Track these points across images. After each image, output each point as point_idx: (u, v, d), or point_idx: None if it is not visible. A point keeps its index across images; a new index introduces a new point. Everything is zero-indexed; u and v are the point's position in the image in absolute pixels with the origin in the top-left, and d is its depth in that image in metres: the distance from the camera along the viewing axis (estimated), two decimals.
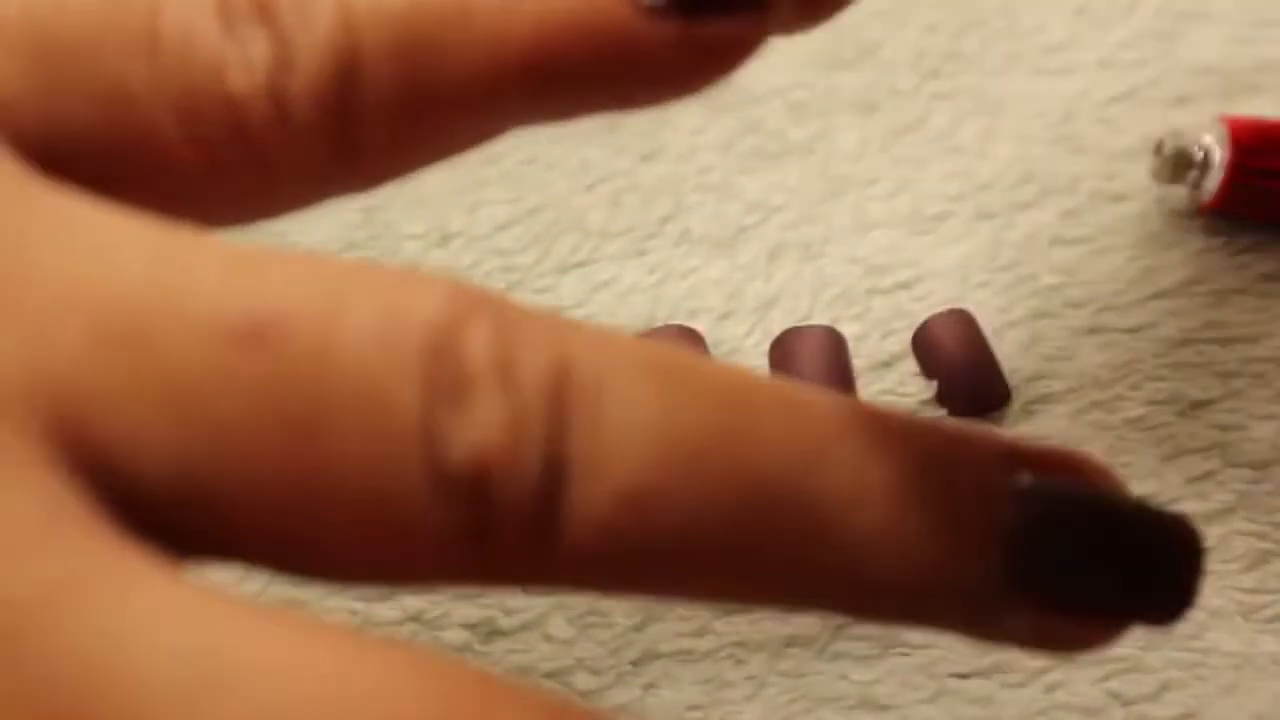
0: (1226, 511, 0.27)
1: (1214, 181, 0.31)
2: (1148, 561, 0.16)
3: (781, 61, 0.35)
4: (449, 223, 0.33)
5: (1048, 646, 0.17)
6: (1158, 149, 0.32)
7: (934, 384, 0.29)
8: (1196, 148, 0.31)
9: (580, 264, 0.32)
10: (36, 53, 0.15)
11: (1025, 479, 0.16)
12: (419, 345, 0.14)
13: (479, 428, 0.14)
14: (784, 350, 0.30)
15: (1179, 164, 0.31)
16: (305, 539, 0.14)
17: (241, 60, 0.16)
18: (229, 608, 0.13)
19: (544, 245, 0.32)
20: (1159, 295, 0.31)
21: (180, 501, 0.13)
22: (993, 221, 0.32)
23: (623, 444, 0.14)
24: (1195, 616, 0.26)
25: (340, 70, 0.16)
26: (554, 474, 0.14)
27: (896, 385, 0.30)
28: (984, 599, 0.16)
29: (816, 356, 0.29)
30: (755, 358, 0.30)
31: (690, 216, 0.33)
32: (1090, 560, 0.16)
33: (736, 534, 0.15)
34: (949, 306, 0.31)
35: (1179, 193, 0.32)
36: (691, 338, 0.30)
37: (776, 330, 0.30)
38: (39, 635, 0.12)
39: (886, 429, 0.16)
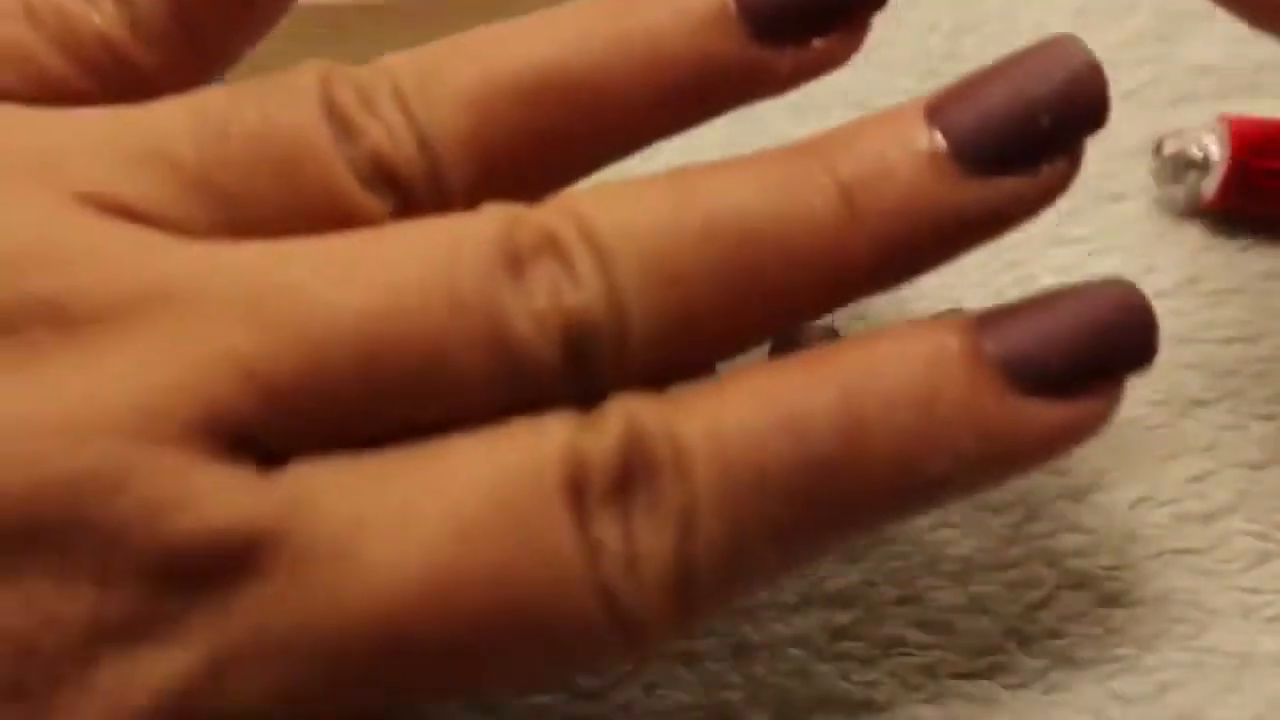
0: (1226, 511, 0.27)
1: (1214, 181, 0.31)
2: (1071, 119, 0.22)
3: None
4: None
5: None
6: (1158, 149, 0.32)
7: None
8: (1196, 148, 0.31)
9: None
10: None
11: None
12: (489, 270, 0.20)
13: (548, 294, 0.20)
14: (784, 350, 0.30)
15: (1179, 164, 0.31)
16: None
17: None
18: None
19: None
20: (1159, 295, 0.31)
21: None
22: None
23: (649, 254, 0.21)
24: (1195, 616, 0.26)
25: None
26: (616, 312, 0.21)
27: None
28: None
29: None
30: (755, 357, 0.30)
31: None
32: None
33: (736, 272, 0.21)
34: (949, 306, 0.30)
35: (1179, 193, 0.32)
36: None
37: None
38: None
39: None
